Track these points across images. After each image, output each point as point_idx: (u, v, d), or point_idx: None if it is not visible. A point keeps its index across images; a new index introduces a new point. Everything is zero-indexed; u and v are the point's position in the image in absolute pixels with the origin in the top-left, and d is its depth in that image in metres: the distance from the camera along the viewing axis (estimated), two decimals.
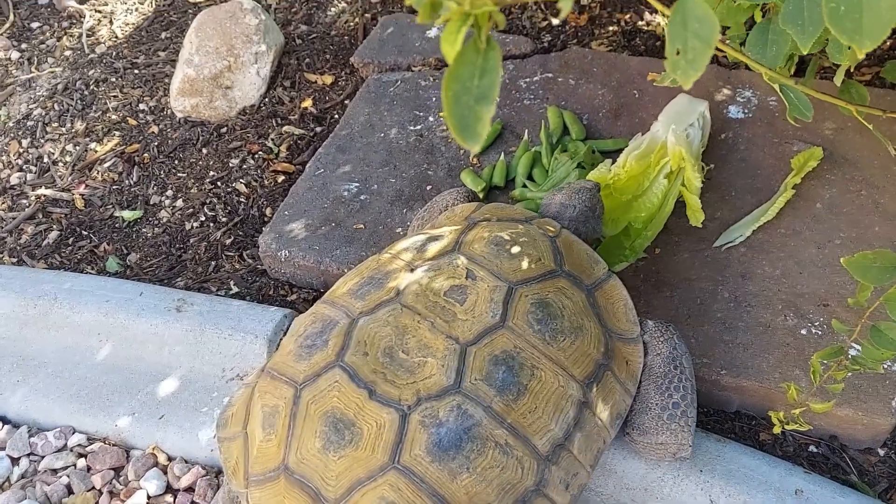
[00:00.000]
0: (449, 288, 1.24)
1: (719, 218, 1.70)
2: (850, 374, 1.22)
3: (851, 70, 1.93)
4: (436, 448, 1.12)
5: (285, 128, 2.24)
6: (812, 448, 1.46)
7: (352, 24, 2.54)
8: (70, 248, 2.08)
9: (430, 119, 2.01)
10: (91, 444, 1.68)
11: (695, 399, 1.32)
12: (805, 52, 0.96)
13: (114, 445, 1.67)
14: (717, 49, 1.99)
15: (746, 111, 1.87)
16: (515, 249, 1.30)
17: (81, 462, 1.65)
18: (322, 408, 1.17)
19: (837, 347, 1.18)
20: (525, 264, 1.28)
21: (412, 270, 1.29)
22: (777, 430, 1.29)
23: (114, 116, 2.41)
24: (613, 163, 1.71)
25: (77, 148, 2.34)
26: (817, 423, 1.44)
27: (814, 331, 1.49)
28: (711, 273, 1.61)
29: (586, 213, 1.50)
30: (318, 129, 2.23)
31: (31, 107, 2.50)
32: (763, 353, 1.47)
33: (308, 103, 2.29)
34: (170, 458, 1.64)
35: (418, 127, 2.00)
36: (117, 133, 2.36)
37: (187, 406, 1.66)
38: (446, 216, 1.49)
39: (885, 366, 1.40)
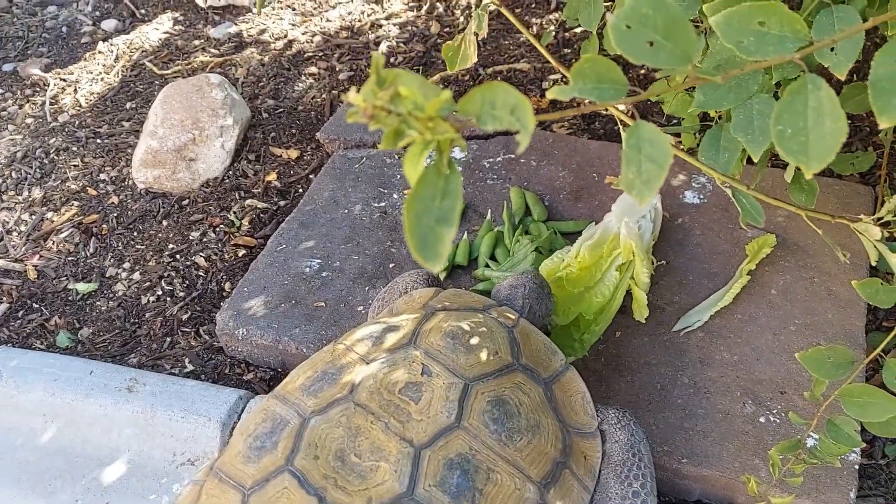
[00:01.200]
0: (404, 384, 1.22)
1: (677, 302, 1.72)
2: (808, 465, 1.22)
3: None
4: None
5: (248, 201, 2.23)
6: None
7: (319, 99, 2.57)
8: (19, 321, 2.02)
9: (395, 196, 2.02)
10: None
11: (654, 487, 1.31)
12: (756, 160, 1.00)
13: None
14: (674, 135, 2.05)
15: (702, 196, 1.92)
16: (473, 341, 1.29)
17: None
18: None
19: (795, 441, 1.18)
20: (482, 358, 1.27)
21: (367, 364, 1.27)
22: (753, 489, 1.28)
23: (73, 186, 2.38)
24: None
25: (33, 217, 2.30)
26: None
27: (772, 419, 1.50)
28: (671, 358, 1.62)
29: (537, 291, 1.51)
30: (282, 202, 2.23)
31: None
32: (723, 442, 1.47)
33: (272, 177, 2.29)
34: None
35: (382, 204, 2.01)
36: (76, 203, 2.32)
37: (135, 493, 1.59)
38: (405, 301, 1.48)
39: (842, 458, 1.41)
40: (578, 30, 2.66)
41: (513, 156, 2.07)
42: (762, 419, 1.50)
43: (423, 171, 0.55)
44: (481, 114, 0.56)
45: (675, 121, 2.20)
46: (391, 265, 1.86)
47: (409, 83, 0.54)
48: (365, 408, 1.19)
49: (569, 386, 1.34)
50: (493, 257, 1.83)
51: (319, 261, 1.89)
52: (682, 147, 1.95)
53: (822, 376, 1.11)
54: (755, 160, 0.96)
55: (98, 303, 2.05)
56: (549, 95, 0.64)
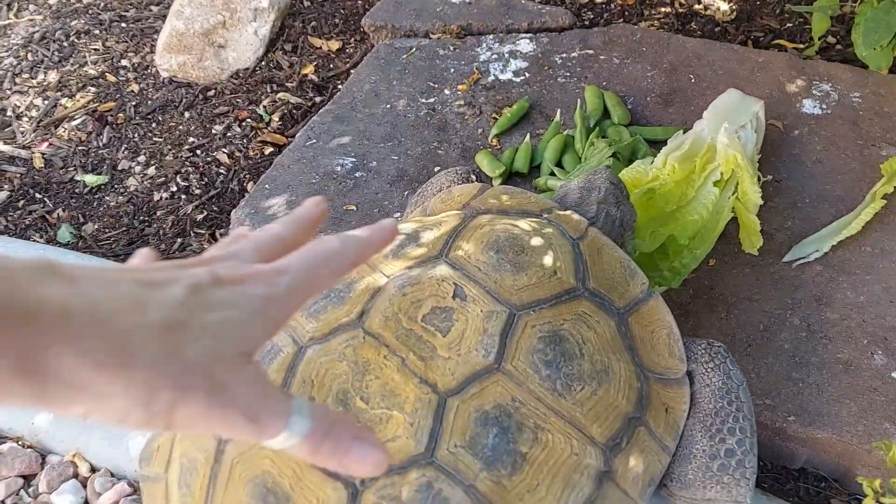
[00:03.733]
0: (430, 310, 0.91)
1: (789, 228, 1.38)
2: None
3: None
4: None
5: (280, 95, 1.95)
6: None
7: None
8: (19, 211, 1.80)
9: (446, 92, 1.71)
10: (2, 443, 1.38)
11: (755, 444, 1.00)
12: None
13: (28, 447, 1.37)
14: (787, 38, 1.68)
15: (824, 107, 1.56)
16: (523, 258, 0.97)
17: None
18: (249, 471, 0.86)
19: None
20: (535, 279, 0.95)
21: (385, 280, 0.97)
22: (869, 502, 0.96)
23: (91, 71, 2.13)
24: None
25: (46, 102, 2.06)
26: None
27: None
28: (779, 294, 1.29)
29: (615, 194, 1.18)
30: (318, 98, 1.94)
31: (2, 54, 2.22)
32: (842, 399, 1.15)
33: (309, 70, 2.00)
34: (93, 469, 1.33)
35: (431, 100, 1.70)
36: (92, 89, 2.08)
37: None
38: (441, 200, 1.18)
39: None
40: None
41: (591, 51, 1.73)
42: (895, 374, 1.17)
43: None
44: None
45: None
46: (436, 168, 1.56)
47: None
48: (377, 338, 0.90)
49: (651, 318, 1.03)
50: (559, 164, 1.51)
51: (353, 159, 1.60)
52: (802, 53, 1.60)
53: None
54: None
55: (106, 197, 1.81)
56: None
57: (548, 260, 0.98)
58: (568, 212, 1.10)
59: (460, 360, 0.88)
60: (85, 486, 1.31)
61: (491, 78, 1.73)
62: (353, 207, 1.51)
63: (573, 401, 0.89)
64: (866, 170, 1.44)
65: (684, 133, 1.45)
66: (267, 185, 1.58)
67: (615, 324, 0.98)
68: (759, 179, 1.39)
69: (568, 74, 1.70)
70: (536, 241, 1.00)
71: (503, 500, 0.84)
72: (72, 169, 1.88)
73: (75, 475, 1.33)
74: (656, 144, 1.52)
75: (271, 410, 0.48)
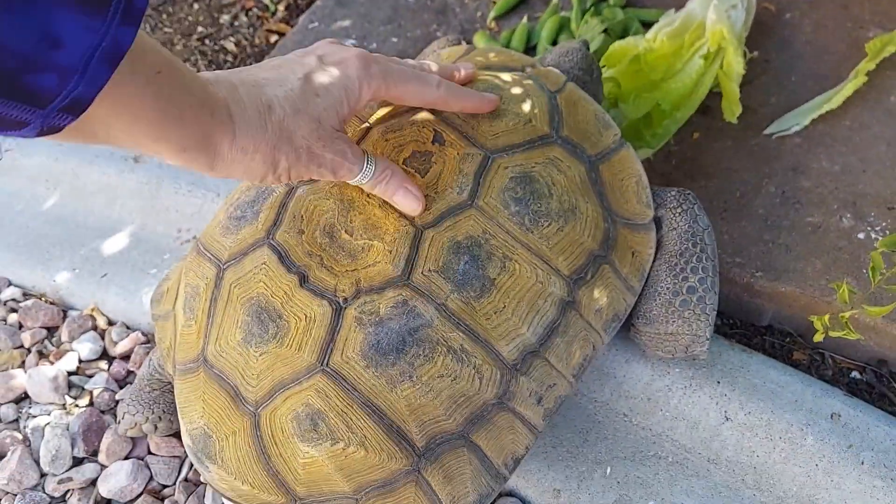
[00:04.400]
0: (410, 154, 0.97)
1: (773, 104, 1.42)
2: None
3: None
4: (372, 351, 0.89)
5: None
6: (855, 374, 1.21)
7: None
8: None
9: None
10: (26, 299, 1.49)
11: (716, 283, 1.07)
12: None
13: (50, 303, 1.48)
14: None
15: None
16: (500, 106, 1.03)
17: (13, 317, 1.46)
18: (245, 293, 0.95)
19: None
20: (510, 125, 1.01)
21: (369, 129, 1.03)
22: (819, 336, 1.03)
23: None
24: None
25: None
26: (864, 343, 1.19)
27: (874, 235, 1.23)
28: (757, 164, 1.34)
29: (582, 77, 1.23)
30: None
31: None
32: (808, 257, 1.22)
33: None
34: (110, 322, 1.44)
35: None
36: None
37: (134, 266, 1.45)
38: (430, 62, 1.24)
39: None
40: None
41: None
42: (861, 235, 1.23)
43: None
44: None
45: None
46: None
47: None
48: None
49: (621, 167, 1.08)
50: (555, 44, 1.55)
51: (354, 41, 1.65)
52: None
53: None
54: None
55: None
56: None
57: (524, 108, 1.04)
58: (547, 69, 1.15)
59: (437, 197, 0.95)
60: (103, 337, 1.42)
61: None
62: None
63: (540, 235, 0.96)
64: (853, 51, 1.46)
65: (676, 12, 1.48)
66: None
67: (585, 169, 1.04)
68: (745, 54, 1.43)
69: None
70: (514, 92, 1.05)
71: (472, 318, 0.92)
72: None
73: (94, 327, 1.44)
74: (649, 26, 1.55)
75: (350, 164, 0.82)
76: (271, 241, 0.96)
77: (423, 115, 1.02)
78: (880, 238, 1.22)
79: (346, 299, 0.92)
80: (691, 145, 1.39)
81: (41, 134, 0.55)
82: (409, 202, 0.91)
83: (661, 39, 1.39)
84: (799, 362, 1.23)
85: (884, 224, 1.24)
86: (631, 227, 1.06)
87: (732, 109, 1.35)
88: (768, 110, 1.41)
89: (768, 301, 1.23)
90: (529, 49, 1.58)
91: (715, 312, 1.07)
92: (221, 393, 0.96)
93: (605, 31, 1.46)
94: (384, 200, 0.95)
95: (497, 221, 0.95)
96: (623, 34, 1.50)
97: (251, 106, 0.71)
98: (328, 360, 0.90)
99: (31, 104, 0.52)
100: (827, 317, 1.02)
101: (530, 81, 1.08)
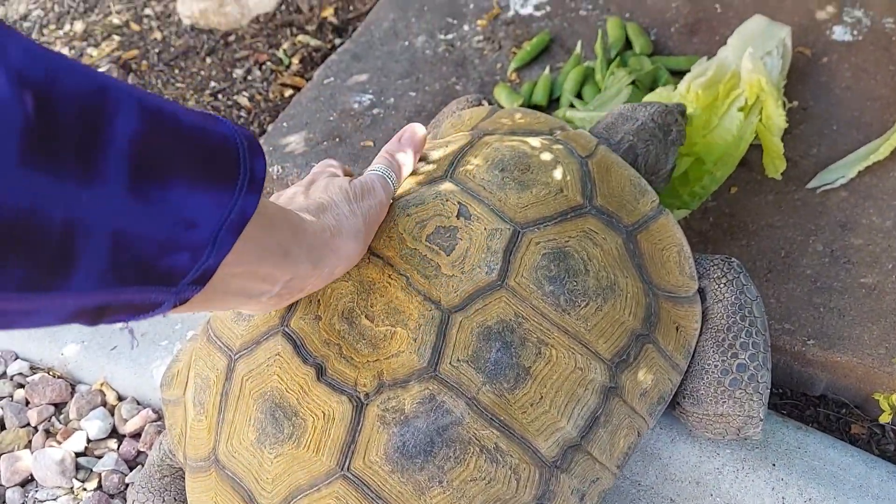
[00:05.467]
0: (434, 230, 0.91)
1: (815, 155, 1.34)
2: None
3: None
4: (398, 454, 0.81)
5: (300, 38, 1.94)
6: None
7: None
8: None
9: (465, 28, 1.69)
10: (33, 373, 1.42)
11: (768, 359, 0.99)
12: None
13: (58, 377, 1.41)
14: None
15: (855, 33, 1.51)
16: (528, 175, 0.96)
17: (20, 393, 1.40)
18: (259, 387, 0.88)
19: None
20: (540, 196, 0.94)
21: (391, 202, 0.97)
22: (886, 417, 0.95)
23: (116, 20, 2.15)
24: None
25: (72, 52, 2.09)
26: None
27: None
28: (802, 220, 1.26)
29: (653, 132, 1.15)
30: (338, 41, 1.93)
31: (30, 7, 2.25)
32: (865, 322, 1.13)
33: (329, 12, 1.99)
34: (120, 398, 1.38)
35: (450, 36, 1.68)
36: (117, 38, 2.10)
37: (144, 337, 1.39)
38: (451, 124, 1.17)
39: None
40: None
41: None
42: None
43: None
44: None
45: None
46: None
47: None
48: (382, 258, 0.90)
49: (661, 236, 1.01)
50: (579, 96, 1.49)
51: (371, 96, 1.60)
52: None
53: None
54: None
55: None
56: None
57: (554, 177, 0.97)
58: (577, 132, 1.08)
59: (464, 278, 0.88)
60: (112, 413, 1.35)
61: (511, 13, 1.70)
62: (371, 143, 1.51)
63: (577, 316, 0.89)
64: None
65: (708, 60, 1.42)
66: (285, 124, 1.59)
67: (622, 241, 0.96)
68: (784, 104, 1.36)
69: (590, 7, 1.67)
70: (543, 159, 0.98)
71: (506, 412, 0.84)
72: None
73: (103, 403, 1.37)
74: (679, 75, 1.49)
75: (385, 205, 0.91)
76: (286, 329, 0.89)
77: (447, 185, 0.95)
78: None
79: (367, 395, 0.84)
80: (729, 200, 1.31)
81: (171, 310, 0.56)
82: (416, 143, 0.98)
83: (694, 91, 1.32)
84: (858, 437, 1.13)
85: None
86: (674, 300, 0.98)
87: (776, 165, 1.28)
88: (810, 162, 1.33)
89: (822, 370, 1.14)
90: (553, 101, 1.51)
91: (768, 391, 0.98)
92: (235, 497, 0.88)
93: (632, 82, 1.40)
94: (407, 281, 0.88)
95: (530, 303, 0.88)
96: (652, 85, 1.43)
97: (334, 224, 0.80)
98: (349, 463, 0.82)
99: (165, 285, 0.53)
100: (894, 396, 0.93)
101: (560, 146, 1.02)
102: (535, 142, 1.01)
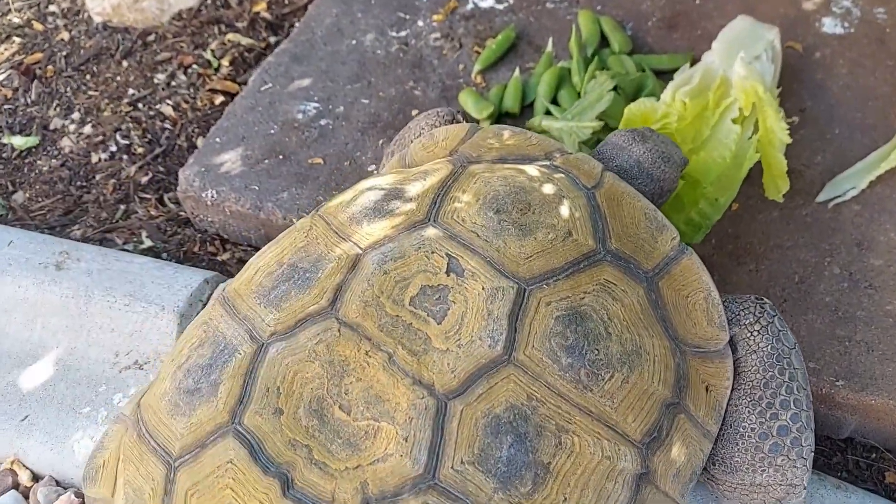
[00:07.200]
0: (419, 291, 0.74)
1: (820, 164, 1.22)
2: None
3: None
4: None
5: (230, 36, 1.72)
6: None
7: None
8: None
9: (419, 23, 1.50)
10: None
11: (811, 419, 0.86)
12: None
13: None
14: None
15: (846, 24, 1.39)
16: (529, 217, 0.79)
17: None
18: None
19: None
20: (546, 244, 0.77)
21: (360, 253, 0.78)
22: None
23: (16, 19, 1.88)
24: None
25: None
26: None
27: None
28: (814, 240, 1.13)
29: (661, 153, 1.00)
30: (273, 39, 1.72)
31: None
32: (895, 357, 1.01)
33: (262, 7, 1.77)
34: (35, 477, 1.16)
35: (402, 33, 1.49)
36: (17, 39, 1.83)
37: (62, 404, 1.17)
38: (422, 146, 0.98)
39: None
40: None
41: None
42: None
43: None
44: None
45: None
46: (413, 111, 1.36)
47: None
48: (356, 329, 0.71)
49: (685, 280, 0.85)
50: (555, 102, 1.32)
51: (317, 104, 1.40)
52: None
53: None
54: None
55: (38, 161, 1.59)
56: None
57: (560, 218, 0.80)
58: (577, 156, 0.91)
59: (461, 353, 0.71)
60: (27, 498, 1.14)
61: (470, 6, 1.52)
62: (320, 161, 1.31)
63: (601, 393, 0.73)
64: None
65: (692, 66, 1.27)
66: (218, 139, 1.38)
67: (644, 291, 0.80)
68: (784, 116, 1.22)
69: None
70: (544, 194, 0.81)
71: None
72: None
73: (15, 485, 1.15)
74: (662, 75, 1.34)
75: None
76: (238, 428, 0.70)
77: (431, 232, 0.78)
78: None
79: None
80: (732, 219, 1.17)
81: None
82: None
83: (680, 100, 1.17)
84: (892, 486, 1.01)
85: None
86: (703, 356, 0.83)
87: (777, 185, 1.14)
88: (815, 172, 1.21)
89: (851, 413, 1.01)
90: (526, 107, 1.35)
91: (812, 455, 0.84)
92: None
93: (614, 88, 1.24)
94: (389, 359, 0.70)
95: (545, 381, 0.71)
96: (636, 91, 1.28)
97: None
98: None
99: None
100: None
101: (561, 175, 0.85)
102: (532, 171, 0.84)
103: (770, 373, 0.85)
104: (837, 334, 1.04)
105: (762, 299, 0.88)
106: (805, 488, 0.84)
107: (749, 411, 0.85)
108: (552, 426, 0.70)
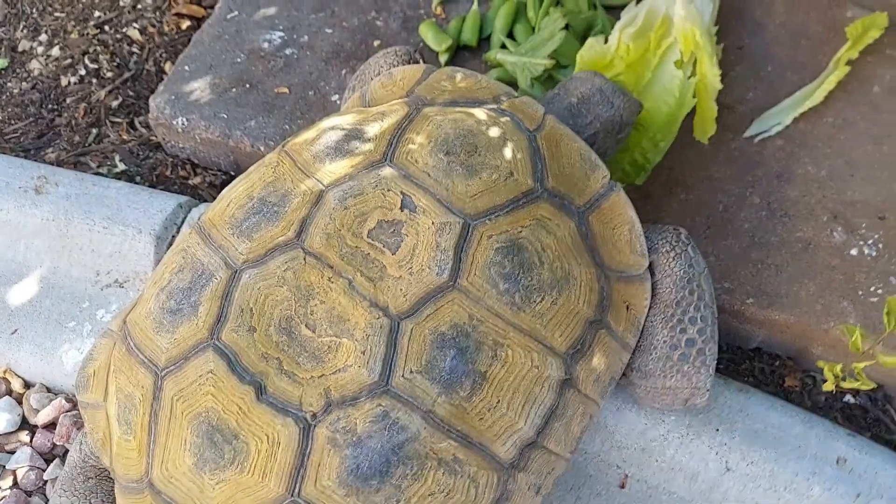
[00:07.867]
0: (376, 225, 0.83)
1: (751, 101, 1.32)
2: None
3: None
4: (352, 476, 0.76)
5: None
6: (848, 398, 1.16)
7: None
8: None
9: None
10: None
11: (715, 332, 0.99)
12: None
13: None
14: None
15: None
16: (476, 158, 0.88)
17: None
18: (192, 409, 0.80)
19: None
20: (490, 183, 0.87)
21: (323, 190, 0.87)
22: (829, 386, 0.97)
23: None
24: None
25: None
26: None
27: (867, 251, 1.15)
28: (739, 171, 1.24)
29: (620, 127, 1.11)
30: None
31: None
32: (801, 278, 1.14)
33: None
34: (27, 385, 1.26)
35: None
36: None
37: (49, 318, 1.27)
38: (381, 84, 1.06)
39: None
40: None
41: None
42: (853, 251, 1.16)
43: None
44: None
45: None
46: (375, 42, 1.42)
47: None
48: (319, 258, 0.81)
49: (612, 214, 0.96)
50: (511, 36, 1.39)
51: (282, 34, 1.45)
52: None
53: None
54: None
55: (8, 83, 1.62)
56: None
57: (504, 159, 0.89)
58: (522, 99, 1.00)
59: (412, 280, 0.81)
60: (20, 403, 1.25)
61: None
62: (286, 90, 1.38)
63: (533, 313, 0.84)
64: (831, 33, 1.36)
65: (636, 4, 1.34)
66: (186, 67, 1.43)
67: (575, 225, 0.91)
68: (718, 55, 1.29)
69: None
70: (490, 137, 0.91)
71: (463, 421, 0.80)
72: None
73: (9, 392, 1.26)
74: (613, 10, 1.41)
75: None
76: (217, 343, 0.81)
77: (388, 171, 0.87)
78: (873, 253, 1.15)
79: (314, 415, 0.78)
80: (667, 153, 1.27)
81: None
82: None
83: (625, 44, 1.25)
84: (791, 389, 1.17)
85: (875, 236, 1.16)
86: (625, 279, 0.95)
87: (705, 128, 1.22)
88: (747, 107, 1.31)
89: (759, 327, 1.15)
90: (483, 40, 1.41)
91: (715, 362, 0.98)
92: None
93: (566, 27, 1.31)
94: (349, 285, 0.80)
95: (485, 304, 0.82)
96: (587, 29, 1.35)
97: None
98: (300, 489, 0.77)
99: None
100: (839, 367, 0.95)
101: (507, 119, 0.94)
102: (480, 114, 0.93)
103: (681, 293, 0.97)
104: (752, 257, 1.16)
105: (678, 229, 1.00)
106: (708, 390, 0.98)
107: (662, 326, 0.97)
108: (489, 341, 0.81)
